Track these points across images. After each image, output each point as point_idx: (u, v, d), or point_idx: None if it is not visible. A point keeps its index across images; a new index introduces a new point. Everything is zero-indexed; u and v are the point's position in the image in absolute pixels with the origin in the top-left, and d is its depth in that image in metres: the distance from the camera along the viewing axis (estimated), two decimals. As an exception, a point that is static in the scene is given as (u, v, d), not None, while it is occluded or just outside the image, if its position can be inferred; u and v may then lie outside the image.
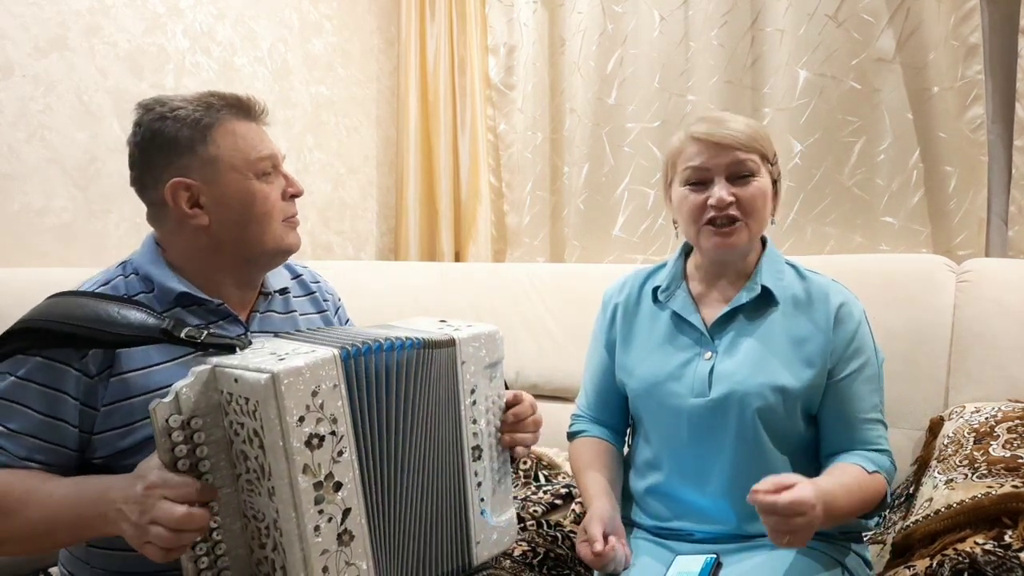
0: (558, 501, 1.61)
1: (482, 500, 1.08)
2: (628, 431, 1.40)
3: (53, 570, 1.37)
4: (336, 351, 0.88)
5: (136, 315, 0.96)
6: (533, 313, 2.11)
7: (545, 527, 1.47)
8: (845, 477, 1.11)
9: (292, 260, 1.26)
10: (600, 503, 1.19)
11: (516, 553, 1.39)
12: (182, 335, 0.96)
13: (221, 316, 1.09)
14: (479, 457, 1.08)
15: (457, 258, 2.64)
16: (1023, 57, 1.77)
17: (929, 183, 1.93)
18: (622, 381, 1.31)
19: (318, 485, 0.85)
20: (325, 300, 1.30)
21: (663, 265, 1.34)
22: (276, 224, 1.10)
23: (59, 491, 0.92)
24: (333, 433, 0.87)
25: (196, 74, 2.05)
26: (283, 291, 1.21)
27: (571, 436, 1.39)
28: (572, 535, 1.44)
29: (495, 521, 1.10)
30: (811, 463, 1.21)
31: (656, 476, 1.25)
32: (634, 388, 1.28)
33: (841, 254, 2.01)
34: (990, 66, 1.85)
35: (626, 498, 1.32)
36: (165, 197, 1.04)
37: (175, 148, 1.04)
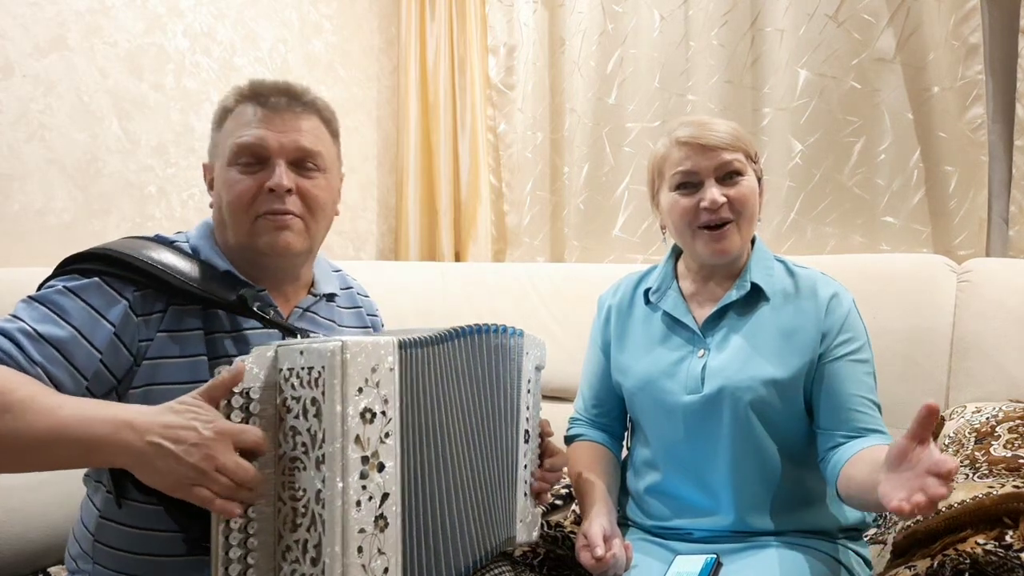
0: (558, 502, 1.61)
1: (526, 483, 1.16)
2: (626, 434, 1.40)
3: (53, 570, 1.37)
4: (396, 339, 0.92)
5: (210, 280, 1.01)
6: (533, 313, 2.11)
7: (545, 528, 1.47)
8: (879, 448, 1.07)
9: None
10: (599, 507, 1.19)
11: (516, 554, 1.39)
12: (254, 308, 0.99)
13: (265, 303, 1.05)
14: (527, 441, 1.16)
15: (457, 258, 2.63)
16: (1023, 57, 1.77)
17: (929, 183, 1.93)
18: (618, 382, 1.32)
19: (364, 460, 0.87)
20: (371, 315, 1.30)
21: (655, 268, 1.35)
22: (244, 219, 1.03)
23: (68, 404, 0.84)
24: (384, 413, 0.89)
25: (196, 74, 2.05)
26: (331, 297, 1.19)
27: (568, 440, 1.38)
28: (572, 536, 1.43)
29: (534, 509, 1.18)
30: (810, 457, 1.21)
31: (655, 475, 1.25)
32: (629, 387, 1.28)
33: (841, 254, 2.01)
34: (990, 66, 1.86)
35: (626, 498, 1.32)
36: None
37: (213, 127, 1.10)
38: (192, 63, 2.04)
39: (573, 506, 1.58)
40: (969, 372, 1.59)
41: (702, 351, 1.21)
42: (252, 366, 0.87)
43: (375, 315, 1.32)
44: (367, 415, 0.87)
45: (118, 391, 0.97)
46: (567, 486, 1.65)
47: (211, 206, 1.10)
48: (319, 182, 1.08)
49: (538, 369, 1.21)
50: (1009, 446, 1.30)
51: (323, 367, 0.85)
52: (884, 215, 1.98)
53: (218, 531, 0.84)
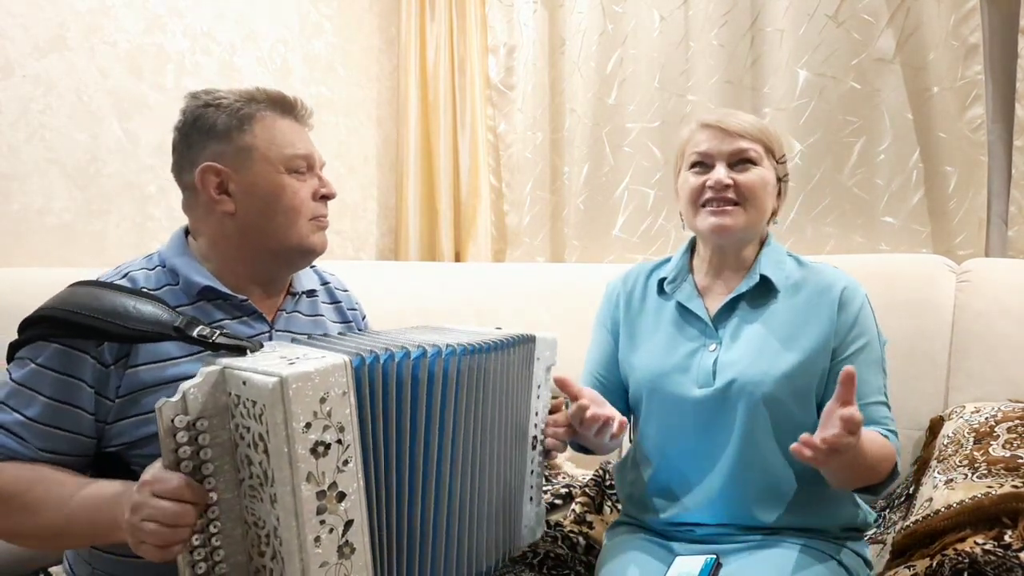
0: (558, 501, 1.61)
1: (531, 487, 1.19)
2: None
3: (54, 569, 1.37)
4: (347, 358, 0.86)
5: (151, 310, 0.98)
6: (533, 313, 2.11)
7: (545, 527, 1.47)
8: (869, 431, 1.11)
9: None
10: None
11: (515, 553, 1.39)
12: (194, 334, 0.96)
13: (246, 312, 1.11)
14: (534, 447, 1.18)
15: (457, 258, 2.64)
16: (1023, 57, 1.77)
17: (929, 183, 1.93)
18: (625, 373, 1.31)
19: (321, 494, 0.83)
20: (351, 309, 1.32)
21: (667, 259, 1.35)
22: (302, 221, 1.11)
23: (77, 496, 0.92)
24: (339, 442, 0.84)
25: (196, 74, 2.05)
26: (311, 293, 1.23)
27: None
28: (572, 535, 1.44)
29: (538, 508, 1.21)
30: None
31: (658, 467, 1.25)
32: (638, 379, 1.28)
33: (841, 254, 2.01)
34: (990, 66, 1.86)
35: (628, 496, 1.32)
36: (196, 181, 1.07)
37: (213, 134, 1.07)
38: (192, 63, 2.04)
39: (573, 505, 1.58)
40: (968, 372, 1.59)
41: (713, 345, 1.22)
42: (195, 392, 0.84)
43: (355, 309, 1.34)
44: (319, 448, 0.82)
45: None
46: (567, 486, 1.65)
47: (228, 212, 1.08)
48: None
49: (549, 368, 1.21)
50: (1008, 446, 1.30)
51: (264, 405, 0.80)
52: (884, 215, 1.98)
53: (184, 564, 0.85)
